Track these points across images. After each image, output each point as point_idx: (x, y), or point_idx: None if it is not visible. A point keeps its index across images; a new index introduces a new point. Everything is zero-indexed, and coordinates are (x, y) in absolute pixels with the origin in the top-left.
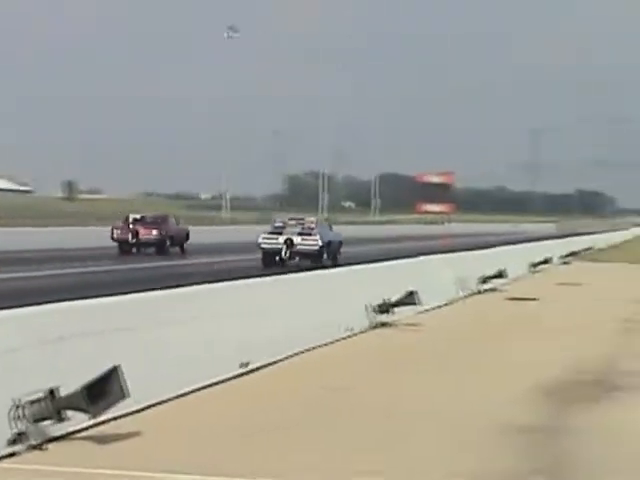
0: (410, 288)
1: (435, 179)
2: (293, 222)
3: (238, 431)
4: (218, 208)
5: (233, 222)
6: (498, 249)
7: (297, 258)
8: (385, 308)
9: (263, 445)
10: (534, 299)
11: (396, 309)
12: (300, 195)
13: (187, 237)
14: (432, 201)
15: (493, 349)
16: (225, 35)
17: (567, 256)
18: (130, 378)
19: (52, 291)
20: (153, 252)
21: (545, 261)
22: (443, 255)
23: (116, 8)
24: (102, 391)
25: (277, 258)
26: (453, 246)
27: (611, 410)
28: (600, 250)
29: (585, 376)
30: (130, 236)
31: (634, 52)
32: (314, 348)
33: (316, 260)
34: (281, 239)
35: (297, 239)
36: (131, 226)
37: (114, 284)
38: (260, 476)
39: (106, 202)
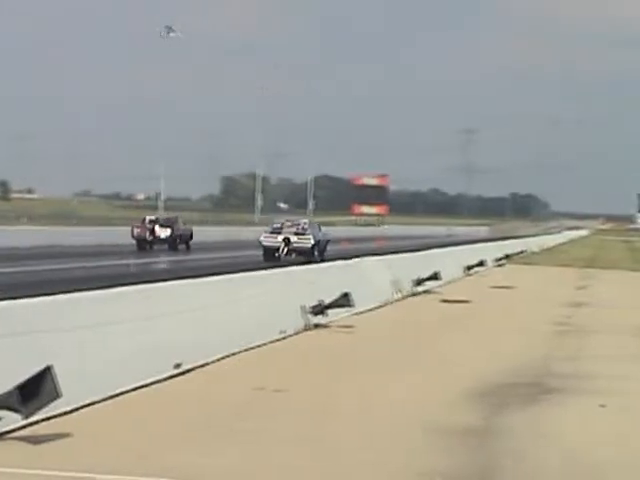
0: (345, 290)
1: (370, 181)
2: (289, 223)
3: (167, 432)
4: (153, 209)
5: None
6: (432, 251)
7: (293, 255)
8: (320, 310)
9: (191, 446)
10: (468, 301)
11: (331, 311)
12: (235, 196)
13: (191, 236)
14: (367, 203)
15: (427, 351)
16: (161, 34)
17: (501, 259)
18: (63, 378)
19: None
20: (166, 248)
21: (479, 264)
22: (378, 257)
23: (52, 9)
24: (35, 391)
25: (276, 254)
26: (388, 248)
27: (545, 412)
28: (534, 253)
29: (519, 378)
30: (148, 234)
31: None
32: (248, 349)
33: (308, 256)
34: (280, 238)
35: (293, 238)
36: (148, 226)
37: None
38: (182, 477)
39: (40, 202)
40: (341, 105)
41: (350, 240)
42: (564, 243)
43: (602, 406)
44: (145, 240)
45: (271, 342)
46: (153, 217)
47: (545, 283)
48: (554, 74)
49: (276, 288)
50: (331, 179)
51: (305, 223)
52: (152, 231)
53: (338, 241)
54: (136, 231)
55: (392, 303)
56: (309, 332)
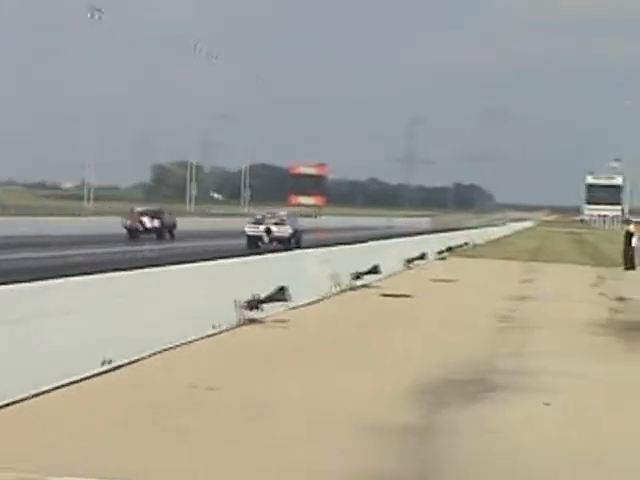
0: (281, 283)
1: (308, 170)
2: (270, 215)
3: (92, 431)
4: (80, 198)
5: (96, 213)
6: (372, 244)
7: (274, 243)
8: (254, 304)
9: (117, 446)
10: (409, 296)
11: (266, 305)
12: (167, 185)
13: (175, 226)
14: (305, 193)
15: (365, 347)
16: (89, 15)
17: (443, 252)
18: None
19: None
20: (154, 237)
21: (420, 257)
22: (316, 250)
23: None
24: None
25: (259, 242)
26: (326, 240)
27: (488, 410)
28: (477, 246)
29: (461, 375)
30: (139, 225)
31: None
32: (180, 345)
33: (287, 244)
34: (262, 227)
35: (274, 228)
36: (138, 217)
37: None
38: (104, 477)
39: None
40: (280, 91)
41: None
42: (508, 235)
43: (546, 404)
44: (137, 230)
45: (204, 337)
46: (141, 209)
47: (488, 276)
48: (493, 65)
49: (210, 281)
50: (267, 168)
51: (284, 215)
52: (142, 222)
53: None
54: (128, 221)
55: (330, 297)
56: (243, 327)
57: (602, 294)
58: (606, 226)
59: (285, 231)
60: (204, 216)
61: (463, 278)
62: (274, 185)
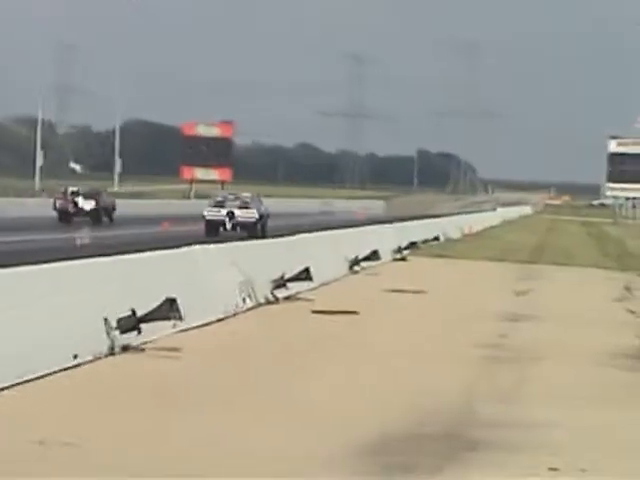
0: (169, 294)
1: (208, 131)
2: (232, 197)
3: None
4: None
5: None
6: (301, 237)
7: (238, 229)
8: (132, 324)
9: None
10: (353, 312)
11: (148, 325)
12: (4, 150)
13: (114, 208)
14: (204, 164)
15: (291, 388)
16: None
17: (403, 249)
18: None
19: None
20: (89, 221)
21: (371, 256)
22: (222, 246)
23: None
24: None
25: (221, 229)
26: (232, 233)
27: (469, 476)
28: (452, 241)
29: (430, 428)
30: (71, 206)
31: None
32: (27, 381)
33: (252, 230)
34: (224, 211)
35: (237, 212)
36: (70, 197)
37: None
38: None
39: None
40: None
41: (177, 220)
42: (498, 226)
43: (553, 470)
44: (67, 212)
45: (61, 371)
46: (75, 189)
47: (468, 285)
48: None
49: (70, 289)
50: (151, 127)
51: (247, 197)
52: (75, 204)
53: (157, 221)
54: (59, 202)
55: (240, 314)
56: (115, 357)
57: (631, 311)
58: (637, 213)
59: (251, 216)
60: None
61: (431, 288)
62: (160, 152)
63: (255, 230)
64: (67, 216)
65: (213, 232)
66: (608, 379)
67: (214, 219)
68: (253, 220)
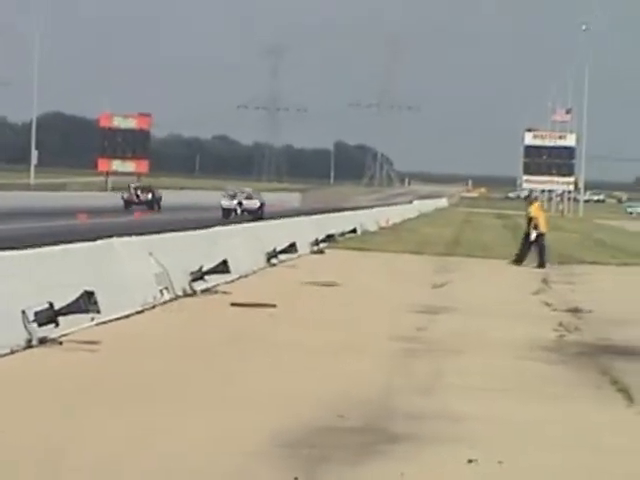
0: (87, 287)
1: (125, 123)
2: (239, 191)
3: None
4: None
5: None
6: (219, 230)
7: (245, 213)
8: (48, 318)
9: None
10: (270, 305)
11: (66, 318)
12: None
13: (161, 199)
14: (121, 157)
15: (213, 381)
16: None
17: (320, 242)
18: None
19: None
20: (145, 208)
21: (288, 249)
22: (139, 238)
23: None
24: None
25: (232, 213)
26: (149, 224)
27: (385, 471)
28: (369, 233)
29: (347, 420)
30: (135, 197)
31: None
32: None
33: (255, 214)
34: (235, 201)
35: (245, 201)
36: (133, 191)
37: None
38: None
39: None
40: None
41: (94, 212)
42: (414, 218)
43: (471, 461)
44: (132, 202)
45: None
46: (135, 185)
47: (385, 278)
48: None
49: None
50: (68, 120)
51: (250, 191)
52: (137, 196)
53: (73, 213)
54: (126, 195)
55: (158, 306)
56: (33, 350)
57: (547, 304)
58: (553, 205)
59: (254, 204)
60: None
61: (349, 280)
62: (77, 144)
63: (257, 214)
64: (131, 204)
65: (227, 216)
66: (526, 372)
67: (229, 207)
68: (256, 207)
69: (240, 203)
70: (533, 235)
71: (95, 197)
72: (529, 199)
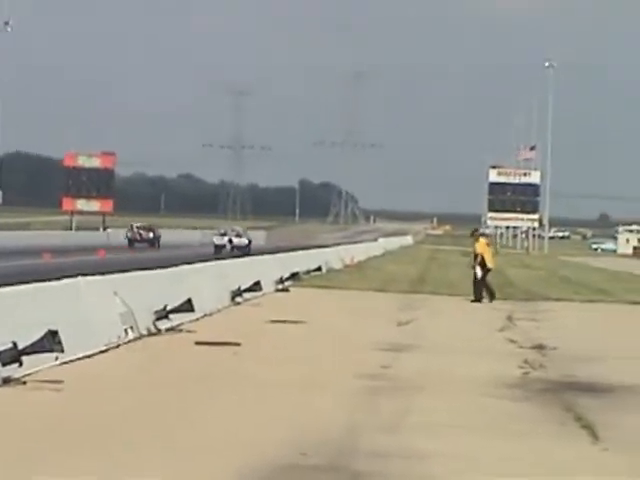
0: (50, 327)
1: (90, 162)
2: (230, 229)
3: None
4: None
5: None
6: (184, 268)
7: (235, 250)
8: (12, 357)
9: None
10: (235, 344)
11: (29, 358)
12: None
13: (160, 237)
14: (85, 195)
15: (172, 418)
16: None
17: (285, 280)
18: None
19: None
20: (147, 246)
21: (253, 287)
22: (104, 277)
23: None
24: None
25: (223, 250)
26: (114, 263)
27: None
28: (334, 271)
29: (310, 459)
30: (138, 236)
31: None
32: None
33: (244, 250)
34: (226, 239)
35: (235, 239)
36: (136, 230)
37: None
38: None
39: None
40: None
41: (58, 252)
42: (379, 256)
43: None
44: (136, 240)
45: None
46: (138, 224)
47: (350, 315)
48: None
49: None
50: (30, 159)
51: (240, 230)
52: (140, 234)
53: (38, 253)
54: (129, 234)
55: (122, 346)
56: None
57: (512, 341)
58: (518, 242)
59: (243, 242)
60: None
61: (314, 318)
62: (41, 184)
63: (245, 250)
64: (134, 243)
65: (219, 252)
66: (490, 409)
67: (220, 244)
68: (245, 244)
69: (230, 240)
70: (478, 272)
71: (60, 236)
72: (475, 235)
